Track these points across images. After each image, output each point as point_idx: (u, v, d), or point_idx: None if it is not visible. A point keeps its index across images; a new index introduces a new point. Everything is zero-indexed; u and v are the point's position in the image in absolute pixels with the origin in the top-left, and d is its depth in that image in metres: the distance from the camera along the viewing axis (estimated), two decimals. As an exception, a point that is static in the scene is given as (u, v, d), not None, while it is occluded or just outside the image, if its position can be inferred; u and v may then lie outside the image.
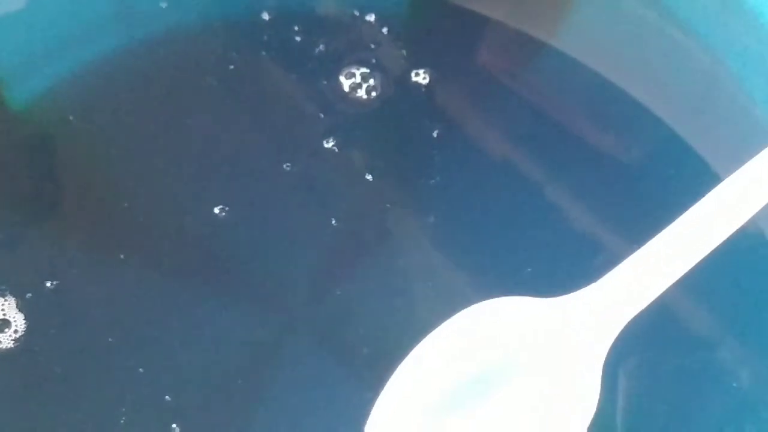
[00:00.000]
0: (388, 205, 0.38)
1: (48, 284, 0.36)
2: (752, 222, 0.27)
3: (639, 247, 0.27)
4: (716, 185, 0.28)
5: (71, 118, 0.39)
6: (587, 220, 0.38)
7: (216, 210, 0.37)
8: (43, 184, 0.39)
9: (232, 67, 0.40)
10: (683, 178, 0.38)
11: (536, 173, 0.39)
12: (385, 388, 0.26)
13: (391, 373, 0.29)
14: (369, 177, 0.38)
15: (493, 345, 0.26)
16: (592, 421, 0.27)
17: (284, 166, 0.38)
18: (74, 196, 0.39)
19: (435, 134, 0.39)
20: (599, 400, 0.27)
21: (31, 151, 0.39)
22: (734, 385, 0.35)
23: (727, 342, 0.36)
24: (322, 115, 0.39)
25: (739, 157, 0.30)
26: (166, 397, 0.35)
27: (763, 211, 0.27)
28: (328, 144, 0.38)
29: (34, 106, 0.39)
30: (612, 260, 0.28)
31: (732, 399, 0.35)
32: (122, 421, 0.35)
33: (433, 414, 0.25)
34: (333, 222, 0.37)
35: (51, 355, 0.36)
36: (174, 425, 0.34)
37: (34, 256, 0.37)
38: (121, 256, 0.37)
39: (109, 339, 0.36)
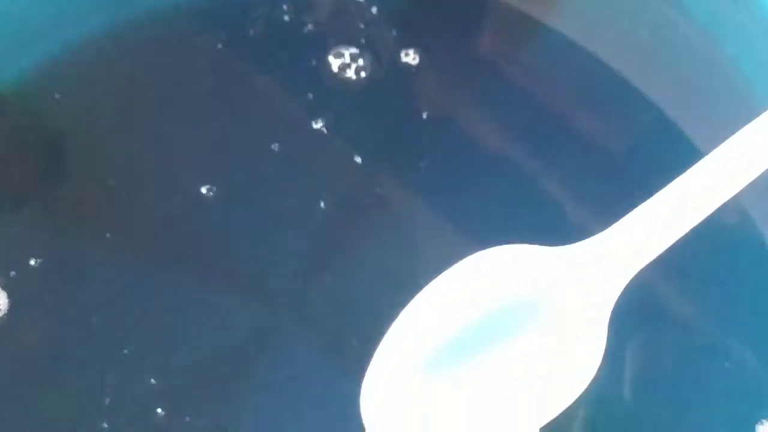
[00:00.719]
0: (377, 189, 0.37)
1: (32, 262, 0.36)
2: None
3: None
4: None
5: (57, 96, 0.39)
6: (578, 202, 0.37)
7: (203, 190, 0.37)
8: (29, 162, 0.39)
9: (220, 46, 0.39)
10: (677, 162, 0.38)
11: (527, 156, 0.38)
12: (382, 341, 0.25)
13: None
14: (358, 159, 0.38)
15: (496, 294, 0.25)
16: (600, 391, 0.27)
17: (272, 146, 0.38)
18: (59, 174, 0.38)
19: (425, 116, 0.38)
20: (605, 356, 0.26)
21: (16, 130, 0.39)
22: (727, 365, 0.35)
23: (728, 322, 0.36)
24: (310, 96, 0.39)
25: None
26: (152, 380, 0.35)
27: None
28: (317, 125, 0.38)
29: (20, 85, 0.39)
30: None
31: (731, 378, 0.35)
32: (107, 403, 0.34)
33: (432, 368, 0.25)
34: (322, 205, 0.37)
35: (34, 334, 0.36)
36: (159, 409, 0.34)
37: (18, 233, 0.37)
38: (107, 235, 0.37)
39: (94, 319, 0.36)
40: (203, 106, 0.39)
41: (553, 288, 0.25)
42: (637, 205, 0.27)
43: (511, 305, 0.25)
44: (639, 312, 0.35)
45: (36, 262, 0.36)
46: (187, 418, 0.34)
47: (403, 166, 0.38)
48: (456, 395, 0.24)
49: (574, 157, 0.39)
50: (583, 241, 0.25)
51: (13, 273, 0.36)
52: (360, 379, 0.33)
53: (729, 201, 0.27)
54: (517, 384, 0.24)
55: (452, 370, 0.24)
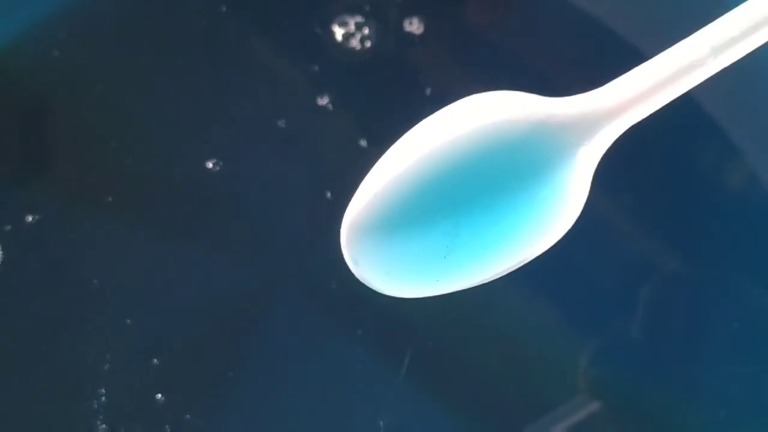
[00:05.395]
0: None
1: (29, 218, 0.36)
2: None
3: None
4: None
5: (56, 53, 0.38)
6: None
7: (209, 164, 0.37)
8: (29, 119, 0.38)
9: (224, 9, 0.39)
10: (686, 126, 0.38)
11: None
12: (362, 184, 0.25)
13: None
14: (363, 142, 0.38)
15: (481, 140, 0.25)
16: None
17: (278, 122, 0.38)
18: (60, 132, 0.38)
19: (428, 92, 0.39)
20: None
21: (15, 87, 0.38)
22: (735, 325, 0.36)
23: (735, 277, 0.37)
24: (316, 68, 0.39)
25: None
26: (150, 341, 0.35)
27: None
28: (323, 101, 0.38)
29: (19, 42, 0.38)
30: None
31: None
32: (106, 368, 0.34)
33: (412, 207, 0.25)
34: (326, 190, 0.37)
35: (30, 291, 0.35)
36: (155, 360, 0.34)
37: (15, 187, 0.37)
38: (109, 199, 0.37)
39: (95, 281, 0.36)
40: (206, 71, 0.39)
41: (542, 134, 0.25)
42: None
43: (494, 152, 0.25)
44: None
45: (33, 218, 0.36)
46: (185, 382, 0.34)
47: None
48: (435, 231, 0.25)
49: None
50: (574, 96, 0.26)
51: (8, 227, 0.36)
52: (361, 347, 0.33)
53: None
54: (494, 226, 0.25)
55: (432, 208, 0.25)
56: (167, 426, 0.33)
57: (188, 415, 0.34)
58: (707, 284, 0.37)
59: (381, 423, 0.31)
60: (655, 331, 0.36)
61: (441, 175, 0.25)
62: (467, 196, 0.25)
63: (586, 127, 0.26)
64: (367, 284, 0.25)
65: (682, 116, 0.38)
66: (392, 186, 0.25)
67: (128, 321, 0.35)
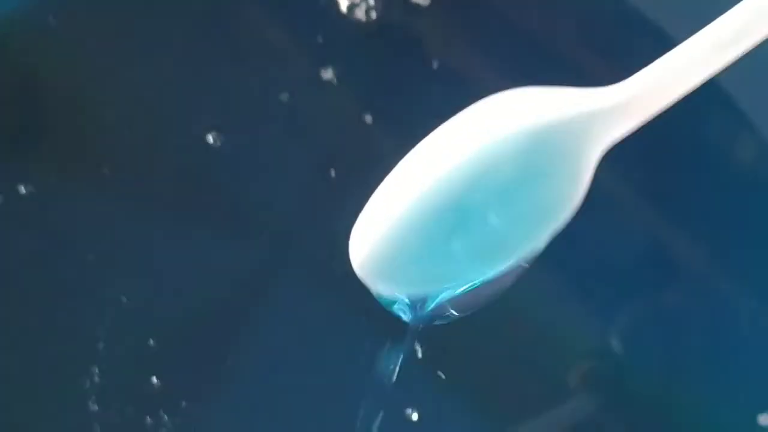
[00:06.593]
0: (385, 148, 0.37)
1: (21, 189, 0.35)
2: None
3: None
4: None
5: (52, 21, 0.37)
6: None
7: (209, 138, 0.36)
8: (23, 87, 0.37)
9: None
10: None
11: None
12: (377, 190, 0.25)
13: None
14: (368, 118, 0.37)
15: (509, 145, 0.25)
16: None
17: (281, 96, 0.37)
18: (54, 101, 0.37)
19: (435, 66, 0.38)
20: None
21: (10, 55, 0.37)
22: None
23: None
24: (320, 40, 0.38)
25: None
26: (146, 321, 0.34)
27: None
28: (326, 75, 0.37)
29: (13, 10, 0.37)
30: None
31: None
32: (100, 346, 0.33)
33: (420, 208, 0.25)
34: (330, 168, 0.36)
35: (21, 265, 0.35)
36: (151, 341, 0.33)
37: (7, 157, 0.36)
38: (105, 171, 0.36)
39: (89, 256, 0.35)
40: (207, 45, 0.38)
41: (569, 129, 0.26)
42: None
43: (523, 149, 0.25)
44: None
45: (26, 189, 0.35)
46: (183, 360, 0.33)
47: (414, 124, 0.38)
48: (439, 229, 0.25)
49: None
50: (603, 88, 0.26)
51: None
52: (363, 325, 0.32)
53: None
54: (498, 217, 0.25)
55: (438, 208, 0.25)
56: (161, 411, 0.32)
57: (184, 402, 0.33)
58: (724, 278, 0.37)
59: (382, 411, 0.31)
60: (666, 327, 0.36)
61: (460, 181, 0.25)
62: (481, 194, 0.25)
63: (615, 118, 0.26)
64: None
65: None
66: (411, 204, 0.25)
67: (124, 299, 0.34)
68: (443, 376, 0.34)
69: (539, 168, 0.26)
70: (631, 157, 0.36)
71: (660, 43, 0.37)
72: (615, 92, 0.26)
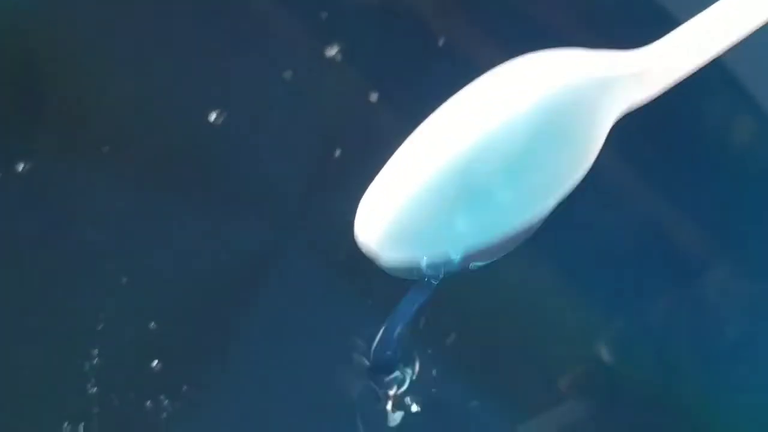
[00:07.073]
0: (391, 127, 0.36)
1: (20, 166, 0.35)
2: None
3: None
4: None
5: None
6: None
7: (212, 116, 0.36)
8: (23, 64, 0.37)
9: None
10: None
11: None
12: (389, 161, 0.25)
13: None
14: (373, 97, 0.36)
15: (533, 106, 0.25)
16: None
17: (284, 74, 0.36)
18: (54, 78, 0.37)
19: (441, 43, 0.37)
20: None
21: (9, 31, 0.37)
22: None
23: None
24: (324, 15, 0.37)
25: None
26: (147, 303, 0.33)
27: None
28: (331, 52, 0.36)
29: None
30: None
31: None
32: (100, 328, 0.33)
33: (430, 181, 0.25)
34: (336, 152, 0.36)
35: (20, 243, 0.34)
36: (152, 323, 0.33)
37: (6, 134, 0.35)
38: (106, 149, 0.35)
39: (89, 236, 0.34)
40: (209, 22, 0.38)
41: (570, 84, 0.26)
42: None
43: (547, 110, 0.25)
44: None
45: (24, 166, 0.34)
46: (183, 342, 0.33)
47: (419, 102, 0.37)
48: (456, 190, 0.25)
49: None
50: (630, 51, 0.26)
51: (-2, 176, 0.34)
52: (366, 306, 0.32)
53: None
54: (510, 179, 0.26)
55: (455, 168, 0.25)
56: (162, 396, 0.32)
57: (185, 386, 0.32)
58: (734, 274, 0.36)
59: (382, 393, 0.31)
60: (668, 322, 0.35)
61: (476, 142, 0.25)
62: (497, 154, 0.25)
63: (636, 82, 0.26)
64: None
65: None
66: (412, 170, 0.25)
67: (124, 279, 0.34)
68: (444, 362, 0.34)
69: (556, 129, 0.25)
70: (634, 141, 0.36)
71: (665, 23, 0.37)
72: (638, 56, 0.26)
